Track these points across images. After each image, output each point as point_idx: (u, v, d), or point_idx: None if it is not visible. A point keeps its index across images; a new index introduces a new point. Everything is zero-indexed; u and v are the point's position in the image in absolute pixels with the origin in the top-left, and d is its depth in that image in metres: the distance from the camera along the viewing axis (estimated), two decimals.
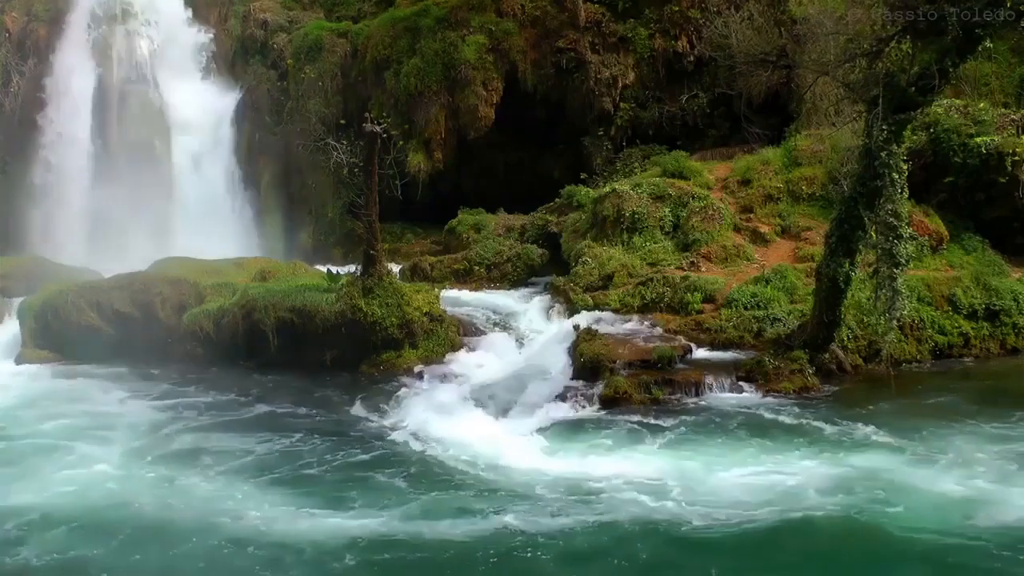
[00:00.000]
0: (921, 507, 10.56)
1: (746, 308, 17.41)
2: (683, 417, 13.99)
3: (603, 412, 14.42)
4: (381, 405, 15.04)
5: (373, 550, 9.78)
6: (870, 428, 13.19)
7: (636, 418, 14.02)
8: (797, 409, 14.24)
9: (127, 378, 17.22)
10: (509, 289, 21.15)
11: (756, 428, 13.47)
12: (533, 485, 11.46)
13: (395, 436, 13.60)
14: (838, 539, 9.96)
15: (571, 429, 13.70)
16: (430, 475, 11.95)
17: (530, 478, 11.72)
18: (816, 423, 13.57)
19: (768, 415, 14.07)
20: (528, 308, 19.23)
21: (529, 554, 9.69)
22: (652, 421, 13.85)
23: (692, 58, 26.28)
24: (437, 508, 10.80)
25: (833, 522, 10.23)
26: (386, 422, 14.31)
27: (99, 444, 13.24)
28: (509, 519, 10.44)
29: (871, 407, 14.21)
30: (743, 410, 14.28)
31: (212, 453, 12.89)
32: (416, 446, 13.13)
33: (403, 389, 15.84)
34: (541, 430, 13.67)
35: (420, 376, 16.54)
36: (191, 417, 14.70)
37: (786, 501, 10.79)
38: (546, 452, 12.73)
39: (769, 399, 14.83)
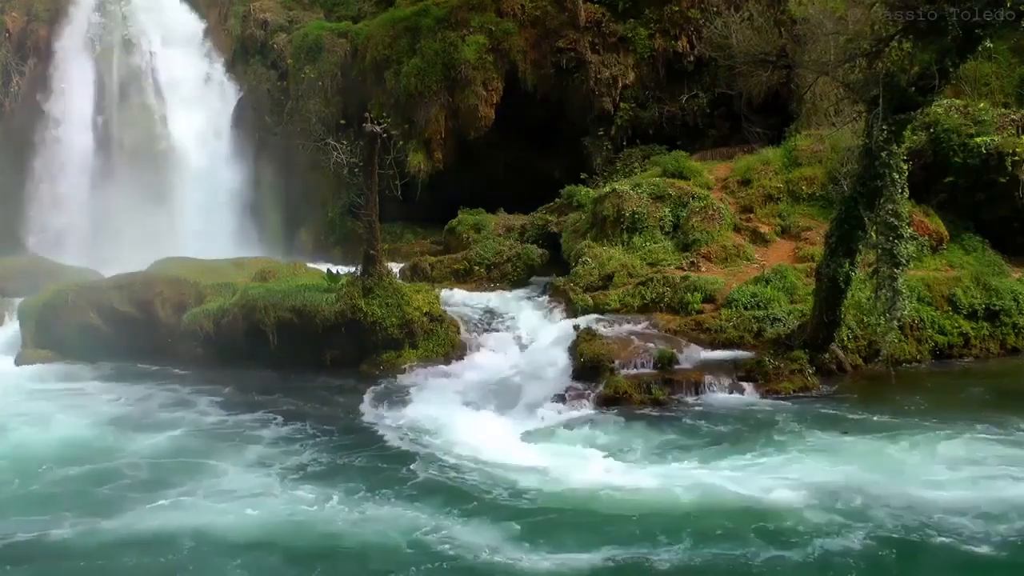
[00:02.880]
0: None
1: (746, 308, 17.41)
2: (688, 416, 14.01)
3: (604, 412, 14.42)
4: (382, 406, 15.02)
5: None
6: (979, 426, 13.04)
7: (639, 416, 14.09)
8: (843, 407, 14.25)
9: (157, 379, 17.08)
10: (509, 289, 21.12)
11: (823, 425, 13.35)
12: (542, 489, 11.42)
13: (397, 437, 13.58)
14: None
15: (574, 429, 13.68)
16: (433, 478, 11.90)
17: (537, 480, 11.68)
18: (892, 420, 13.49)
19: (826, 410, 14.05)
20: (528, 308, 19.23)
21: None
22: (658, 420, 13.93)
23: (692, 58, 26.27)
24: (445, 515, 10.69)
25: None
26: (388, 423, 14.27)
27: (221, 460, 12.74)
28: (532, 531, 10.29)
29: (917, 404, 14.33)
30: (769, 410, 14.32)
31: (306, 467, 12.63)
32: (417, 447, 13.10)
33: (403, 389, 15.83)
34: (542, 430, 13.67)
35: (420, 376, 16.53)
36: (262, 426, 14.36)
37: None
38: (550, 453, 12.69)
39: (770, 399, 14.85)
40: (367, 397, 15.52)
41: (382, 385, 16.18)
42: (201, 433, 14.08)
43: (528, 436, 13.42)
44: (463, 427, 13.68)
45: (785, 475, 11.58)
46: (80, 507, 11.14)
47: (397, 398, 15.39)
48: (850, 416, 13.88)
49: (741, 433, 13.25)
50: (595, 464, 12.18)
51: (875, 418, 13.71)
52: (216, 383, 16.71)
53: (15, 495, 11.70)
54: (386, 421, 14.41)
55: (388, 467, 12.38)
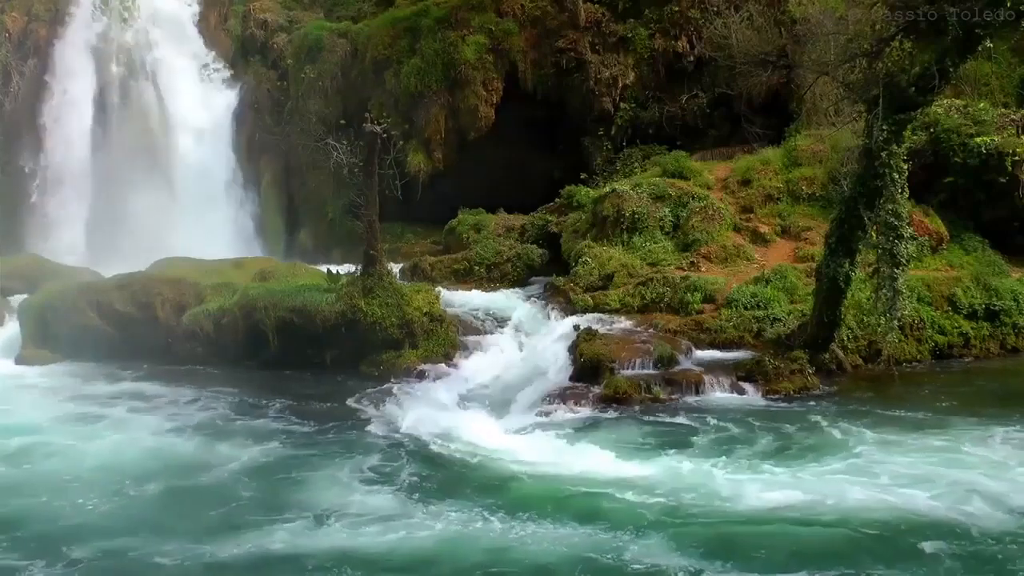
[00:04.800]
0: None
1: (746, 308, 17.41)
2: (705, 417, 13.88)
3: (604, 412, 14.40)
4: (382, 406, 15.01)
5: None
6: None
7: (653, 417, 14.04)
8: (867, 405, 14.18)
9: (194, 382, 16.67)
10: (509, 289, 21.13)
11: (868, 424, 13.16)
12: (548, 486, 11.31)
13: (397, 437, 13.53)
14: None
15: (574, 429, 13.65)
16: (433, 478, 11.81)
17: (542, 478, 11.59)
18: (934, 417, 13.40)
19: (853, 408, 13.94)
20: (528, 308, 19.22)
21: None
22: (680, 421, 13.85)
23: (692, 58, 26.24)
24: (446, 513, 10.46)
25: None
26: (388, 423, 14.24)
27: (310, 472, 12.04)
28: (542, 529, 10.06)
29: (942, 400, 14.36)
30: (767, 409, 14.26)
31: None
32: (417, 447, 13.07)
33: (403, 389, 15.82)
34: (542, 429, 13.65)
35: (420, 376, 16.54)
36: (331, 435, 13.76)
37: None
38: (551, 451, 12.63)
39: (771, 399, 14.84)
40: (363, 397, 15.49)
41: (379, 385, 16.10)
42: (265, 442, 13.34)
43: (525, 435, 13.35)
44: (457, 426, 13.59)
45: (888, 478, 11.15)
46: (183, 528, 10.27)
47: (392, 398, 15.36)
48: (887, 413, 13.73)
49: (789, 433, 12.99)
50: (697, 473, 11.59)
51: (920, 415, 13.61)
52: (239, 385, 16.50)
53: (99, 514, 10.75)
54: (375, 421, 14.29)
55: (475, 477, 11.74)
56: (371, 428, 14.05)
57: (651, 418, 14.03)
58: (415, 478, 11.79)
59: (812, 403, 14.56)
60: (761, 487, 11.08)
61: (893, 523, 9.98)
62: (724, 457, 12.19)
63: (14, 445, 13.23)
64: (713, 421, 13.70)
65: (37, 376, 17.64)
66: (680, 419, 13.93)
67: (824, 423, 13.43)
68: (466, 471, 12.04)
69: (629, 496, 10.89)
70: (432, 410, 14.50)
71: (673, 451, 12.51)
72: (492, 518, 10.38)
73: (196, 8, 29.98)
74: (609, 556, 9.41)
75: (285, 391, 16.08)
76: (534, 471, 11.84)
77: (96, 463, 12.51)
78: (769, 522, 10.18)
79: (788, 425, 13.43)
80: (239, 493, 11.42)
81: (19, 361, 18.54)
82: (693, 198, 20.91)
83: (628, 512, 10.47)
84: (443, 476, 11.88)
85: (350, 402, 15.40)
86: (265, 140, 29.00)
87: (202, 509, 10.91)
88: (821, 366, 15.69)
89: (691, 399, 14.87)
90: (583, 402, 14.72)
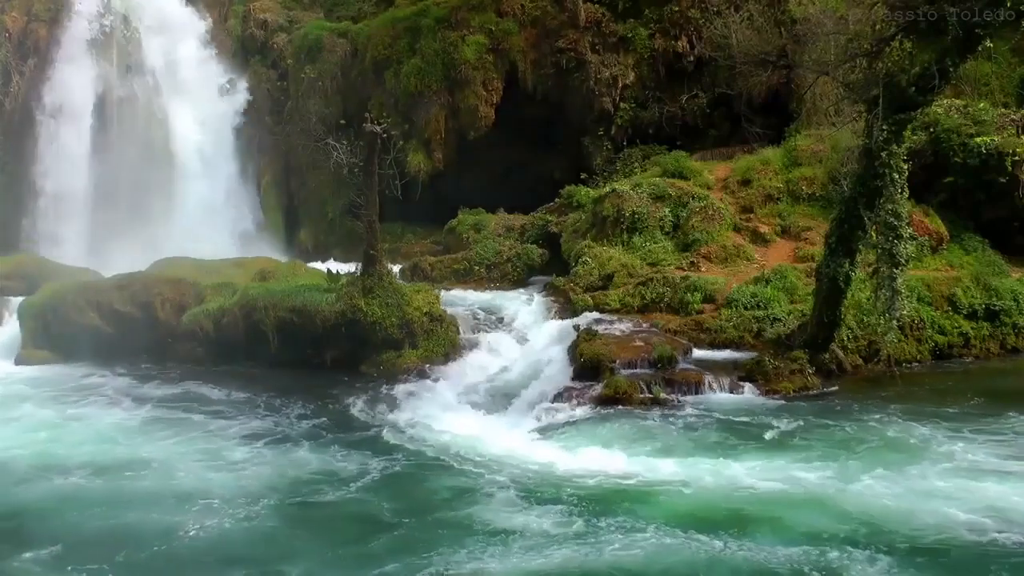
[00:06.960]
0: None
1: (746, 308, 17.41)
2: (715, 416, 13.83)
3: (604, 411, 14.36)
4: (382, 406, 15.00)
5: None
6: None
7: (662, 416, 14.00)
8: (884, 403, 14.07)
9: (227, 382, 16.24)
10: (509, 289, 21.14)
11: (902, 419, 13.04)
12: (553, 489, 11.22)
13: (397, 437, 13.55)
14: None
15: (575, 428, 13.64)
16: (434, 477, 11.78)
17: (549, 480, 11.52)
18: (967, 414, 13.28)
19: (871, 404, 13.81)
20: (528, 308, 19.23)
21: None
22: (692, 421, 13.76)
23: (692, 58, 26.26)
24: (616, 530, 10.00)
25: None
26: (388, 423, 14.24)
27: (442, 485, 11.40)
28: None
29: (961, 397, 14.27)
30: (762, 409, 14.14)
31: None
32: (417, 447, 13.07)
33: (403, 389, 15.82)
34: (542, 429, 13.66)
35: (420, 376, 16.53)
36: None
37: None
38: (554, 451, 12.64)
39: (770, 399, 14.80)
40: (361, 397, 15.48)
41: (379, 385, 16.09)
42: (363, 452, 12.57)
43: (526, 435, 13.35)
44: (457, 426, 13.61)
45: (1003, 477, 10.91)
46: (343, 552, 9.37)
47: (392, 398, 15.38)
48: (922, 410, 13.57)
49: (846, 433, 12.80)
50: (820, 480, 11.23)
51: (955, 410, 13.50)
52: (277, 389, 16.08)
53: (227, 535, 9.74)
54: (375, 421, 14.30)
55: (608, 492, 11.11)
56: (427, 438, 13.50)
57: (676, 419, 13.82)
58: (541, 493, 11.06)
59: (819, 402, 14.46)
60: (911, 497, 10.50)
61: None
62: (831, 462, 11.66)
63: (105, 457, 12.44)
64: (755, 421, 13.50)
65: (78, 378, 17.40)
66: (712, 419, 13.73)
67: (870, 421, 13.23)
68: (589, 486, 11.29)
69: (783, 507, 10.41)
70: (426, 410, 14.50)
71: (776, 455, 11.97)
72: (677, 533, 9.79)
73: (196, 8, 29.98)
74: (809, 566, 9.06)
75: (312, 392, 15.84)
76: (676, 487, 11.17)
77: (196, 476, 11.64)
78: (948, 530, 9.75)
79: (832, 424, 13.21)
80: (382, 512, 10.51)
81: (19, 361, 18.54)
82: (693, 198, 20.92)
83: (798, 523, 9.99)
84: (569, 491, 11.10)
85: (380, 404, 15.21)
86: (265, 140, 29.03)
87: (354, 530, 9.99)
88: (821, 366, 15.68)
89: (690, 399, 14.82)
90: (583, 402, 14.70)
